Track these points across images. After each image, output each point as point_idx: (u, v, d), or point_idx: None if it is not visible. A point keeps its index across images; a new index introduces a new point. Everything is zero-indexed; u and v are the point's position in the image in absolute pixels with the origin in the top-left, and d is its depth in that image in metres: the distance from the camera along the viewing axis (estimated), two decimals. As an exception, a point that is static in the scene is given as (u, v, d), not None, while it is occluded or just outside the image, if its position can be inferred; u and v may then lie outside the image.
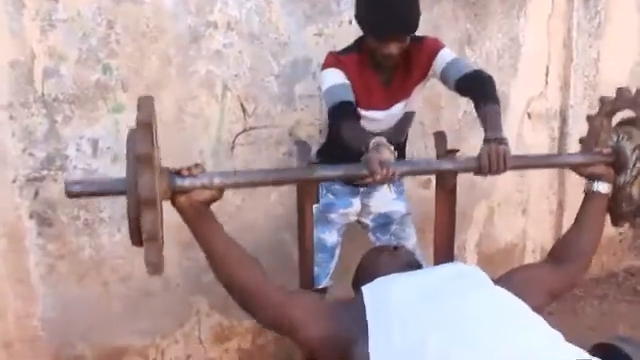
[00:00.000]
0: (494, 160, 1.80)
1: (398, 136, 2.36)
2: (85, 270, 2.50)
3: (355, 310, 1.59)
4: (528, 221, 3.51)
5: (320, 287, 2.37)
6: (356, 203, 2.44)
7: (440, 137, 2.27)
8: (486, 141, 1.86)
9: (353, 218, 2.48)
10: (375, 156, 1.74)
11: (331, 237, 2.44)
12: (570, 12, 3.29)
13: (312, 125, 2.74)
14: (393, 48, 2.06)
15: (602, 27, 3.39)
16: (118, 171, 2.44)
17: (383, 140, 1.82)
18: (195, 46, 2.50)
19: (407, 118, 2.37)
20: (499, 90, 3.12)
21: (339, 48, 2.33)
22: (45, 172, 2.37)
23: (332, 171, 1.83)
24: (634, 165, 1.90)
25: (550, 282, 1.80)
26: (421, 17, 2.64)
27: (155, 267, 1.43)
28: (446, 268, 1.87)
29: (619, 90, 2.06)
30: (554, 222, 3.58)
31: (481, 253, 3.38)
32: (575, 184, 3.37)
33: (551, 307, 3.19)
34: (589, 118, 2.19)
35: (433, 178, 2.33)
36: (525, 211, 3.47)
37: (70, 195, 1.49)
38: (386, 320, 1.50)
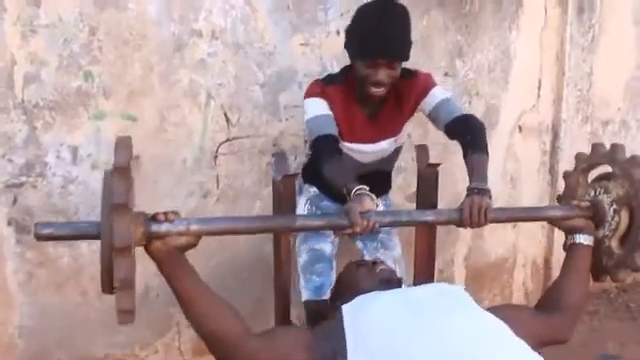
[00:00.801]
0: (475, 214, 1.79)
1: (386, 167, 2.35)
2: (64, 278, 2.48)
3: (334, 334, 1.55)
4: (519, 235, 3.47)
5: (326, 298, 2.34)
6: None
7: (422, 150, 2.27)
8: (469, 191, 1.86)
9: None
10: (356, 207, 1.71)
11: (326, 247, 2.40)
12: (563, 25, 3.26)
13: (296, 135, 2.72)
14: (383, 75, 1.97)
15: (596, 41, 3.36)
16: (97, 178, 2.43)
17: (365, 189, 1.80)
18: (179, 54, 2.48)
19: (397, 152, 2.34)
20: (489, 103, 3.15)
21: (324, 75, 2.28)
22: (24, 179, 2.35)
23: (315, 221, 1.83)
24: (612, 219, 1.91)
25: (534, 327, 1.74)
26: (411, 29, 2.62)
27: (128, 316, 1.39)
28: (429, 288, 1.85)
29: (594, 146, 2.09)
30: (545, 236, 3.54)
31: (470, 267, 3.34)
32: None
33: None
34: (565, 175, 2.20)
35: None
36: (516, 225, 3.43)
37: (39, 238, 1.46)
38: (366, 342, 1.47)
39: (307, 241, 2.32)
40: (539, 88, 3.31)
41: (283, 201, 2.01)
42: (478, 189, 1.84)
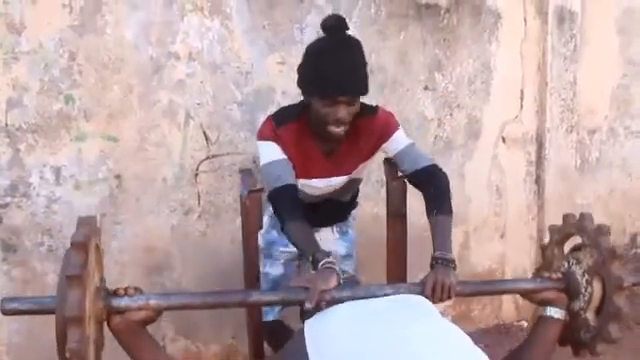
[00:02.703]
0: (438, 291, 1.75)
1: (340, 197, 2.28)
2: (50, 294, 2.55)
3: (297, 351, 1.60)
4: (507, 246, 3.48)
5: (269, 320, 2.34)
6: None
7: (390, 164, 2.30)
8: (434, 261, 1.82)
9: (295, 251, 2.44)
10: (319, 286, 1.67)
11: (275, 270, 2.39)
12: (544, 35, 3.29)
13: (275, 152, 2.77)
14: (343, 112, 1.88)
15: (578, 50, 3.38)
16: (80, 198, 2.52)
17: (332, 263, 1.76)
18: (157, 76, 2.56)
19: (353, 182, 2.26)
20: (471, 115, 3.18)
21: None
22: (9, 199, 2.44)
23: (270, 296, 1.82)
24: (585, 290, 1.84)
25: None
26: (389, 43, 2.65)
27: None
28: (390, 298, 1.87)
29: (564, 216, 2.04)
30: (534, 247, 3.54)
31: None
32: (556, 206, 3.36)
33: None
34: (542, 248, 2.15)
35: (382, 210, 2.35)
36: (503, 236, 3.44)
37: (4, 313, 1.52)
38: (327, 353, 1.51)
39: (262, 260, 2.34)
40: (522, 99, 3.33)
41: (250, 215, 2.07)
42: (442, 260, 1.80)
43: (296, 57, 2.73)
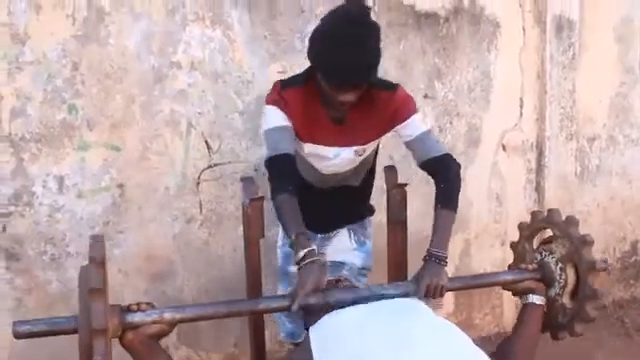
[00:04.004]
0: (431, 290, 1.85)
1: (353, 181, 2.25)
2: (52, 303, 2.57)
3: (303, 356, 1.62)
4: (507, 253, 3.47)
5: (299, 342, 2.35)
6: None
7: (390, 171, 2.33)
8: (427, 256, 1.90)
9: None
10: (313, 280, 1.72)
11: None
12: (543, 44, 3.30)
13: (276, 160, 2.79)
14: (348, 96, 1.85)
15: (577, 59, 3.40)
16: (83, 207, 2.54)
17: (315, 255, 1.77)
18: (159, 86, 2.59)
19: (363, 164, 2.22)
20: (471, 123, 3.20)
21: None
22: (12, 208, 2.46)
23: (279, 302, 1.84)
24: (560, 277, 2.02)
25: None
26: (388, 52, 2.66)
27: None
28: (390, 302, 1.90)
29: (532, 213, 2.26)
30: (535, 254, 3.54)
31: (458, 285, 3.36)
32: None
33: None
34: (512, 245, 2.32)
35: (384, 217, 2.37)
36: (504, 242, 3.45)
37: (17, 337, 1.58)
38: (330, 356, 1.54)
39: (280, 280, 2.36)
40: (521, 107, 3.35)
41: (252, 223, 2.08)
42: (436, 256, 1.89)
43: (297, 66, 2.77)
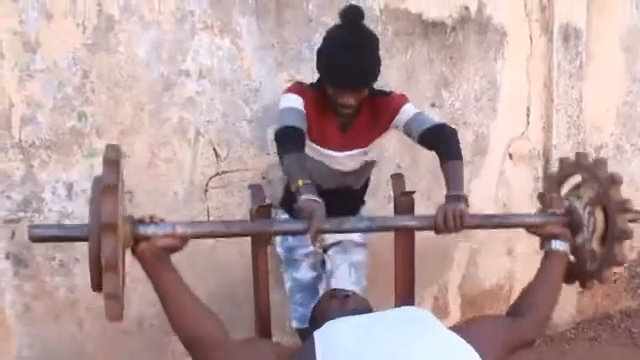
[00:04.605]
0: (450, 218, 1.84)
1: (354, 183, 2.39)
2: (60, 310, 2.58)
3: (306, 355, 1.62)
4: (514, 261, 3.49)
5: (301, 327, 2.40)
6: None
7: (397, 179, 2.33)
8: (447, 198, 1.93)
9: (318, 253, 2.49)
10: (315, 224, 1.78)
11: (305, 274, 2.47)
12: (549, 53, 3.33)
13: (284, 168, 2.81)
14: (350, 98, 2.07)
15: (584, 68, 3.41)
16: (91, 213, 2.54)
17: (315, 199, 1.84)
18: (168, 94, 2.60)
19: (367, 166, 2.39)
20: (477, 131, 3.21)
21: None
22: (22, 214, 2.47)
23: (291, 225, 1.90)
24: (588, 221, 1.95)
25: (505, 335, 1.78)
26: (395, 61, 2.68)
27: (115, 303, 1.44)
28: (396, 311, 1.91)
29: (560, 160, 2.20)
30: (542, 263, 3.54)
31: (464, 295, 3.36)
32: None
33: (539, 347, 3.17)
34: (539, 196, 2.26)
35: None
36: (511, 251, 3.45)
37: (33, 239, 1.60)
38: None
39: (287, 269, 2.40)
40: (528, 115, 3.36)
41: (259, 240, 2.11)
42: (454, 195, 1.91)
43: (304, 75, 2.80)
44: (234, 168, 2.76)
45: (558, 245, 1.93)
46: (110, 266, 1.41)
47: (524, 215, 2.12)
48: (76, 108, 2.49)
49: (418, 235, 2.36)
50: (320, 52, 2.12)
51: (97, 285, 1.48)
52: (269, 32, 2.73)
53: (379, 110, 2.21)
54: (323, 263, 2.49)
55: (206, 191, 2.73)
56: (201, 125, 2.67)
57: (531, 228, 2.00)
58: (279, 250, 2.45)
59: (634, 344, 3.57)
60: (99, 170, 2.48)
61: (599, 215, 1.93)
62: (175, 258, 2.70)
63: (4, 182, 2.43)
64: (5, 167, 2.42)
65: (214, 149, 2.71)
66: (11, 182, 2.44)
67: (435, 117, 2.28)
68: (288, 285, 2.44)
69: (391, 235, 2.46)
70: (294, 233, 2.09)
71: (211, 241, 2.76)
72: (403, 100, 2.24)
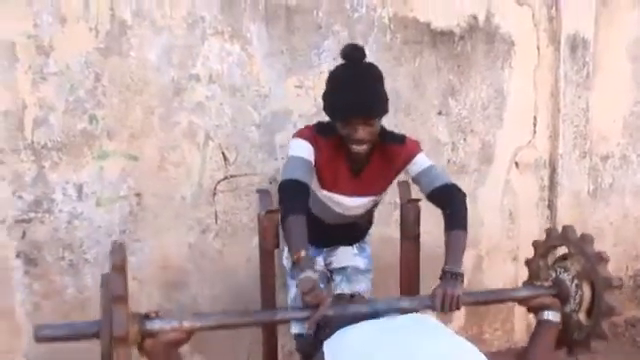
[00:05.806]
0: (447, 303, 1.90)
1: (362, 221, 2.40)
2: (69, 309, 2.62)
3: None
4: (519, 268, 3.49)
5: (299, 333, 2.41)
6: (319, 261, 2.46)
7: (404, 186, 2.36)
8: (443, 274, 1.96)
9: (320, 269, 2.50)
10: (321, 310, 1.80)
11: None
12: (557, 63, 3.33)
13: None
14: (362, 133, 2.00)
15: (591, 78, 3.42)
16: (101, 215, 2.60)
17: (314, 278, 1.83)
18: (178, 98, 2.64)
19: (374, 205, 2.37)
20: (484, 140, 3.23)
21: (317, 116, 2.40)
22: (32, 214, 2.52)
23: (295, 313, 1.92)
24: (576, 293, 2.05)
25: None
26: (403, 70, 2.69)
27: None
28: (403, 317, 1.93)
29: (547, 230, 2.29)
30: (547, 271, 3.55)
31: (469, 301, 3.37)
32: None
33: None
34: (527, 262, 2.36)
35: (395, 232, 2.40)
36: (516, 258, 3.46)
37: (38, 340, 1.62)
38: None
39: (292, 280, 2.41)
40: (535, 125, 3.37)
41: (267, 234, 2.14)
42: (452, 273, 1.94)
43: (313, 81, 2.83)
44: (242, 172, 2.79)
45: (550, 315, 2.01)
46: (121, 338, 1.47)
47: (515, 290, 2.26)
48: (87, 111, 2.53)
49: (423, 241, 2.39)
50: (326, 92, 2.10)
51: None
52: (279, 39, 2.77)
53: (392, 157, 2.18)
54: (329, 280, 2.50)
55: (214, 195, 2.76)
56: (210, 129, 2.71)
57: (522, 302, 2.09)
58: (285, 262, 2.46)
59: (639, 353, 3.56)
60: (108, 173, 2.59)
61: (586, 289, 2.03)
62: (183, 264, 2.76)
63: (16, 183, 2.48)
64: (17, 168, 2.47)
65: (223, 153, 2.74)
66: (23, 183, 2.49)
67: (446, 175, 2.23)
68: (292, 294, 2.45)
69: (395, 240, 2.50)
70: (297, 320, 2.09)
71: (218, 246, 2.81)
72: (416, 150, 2.20)
